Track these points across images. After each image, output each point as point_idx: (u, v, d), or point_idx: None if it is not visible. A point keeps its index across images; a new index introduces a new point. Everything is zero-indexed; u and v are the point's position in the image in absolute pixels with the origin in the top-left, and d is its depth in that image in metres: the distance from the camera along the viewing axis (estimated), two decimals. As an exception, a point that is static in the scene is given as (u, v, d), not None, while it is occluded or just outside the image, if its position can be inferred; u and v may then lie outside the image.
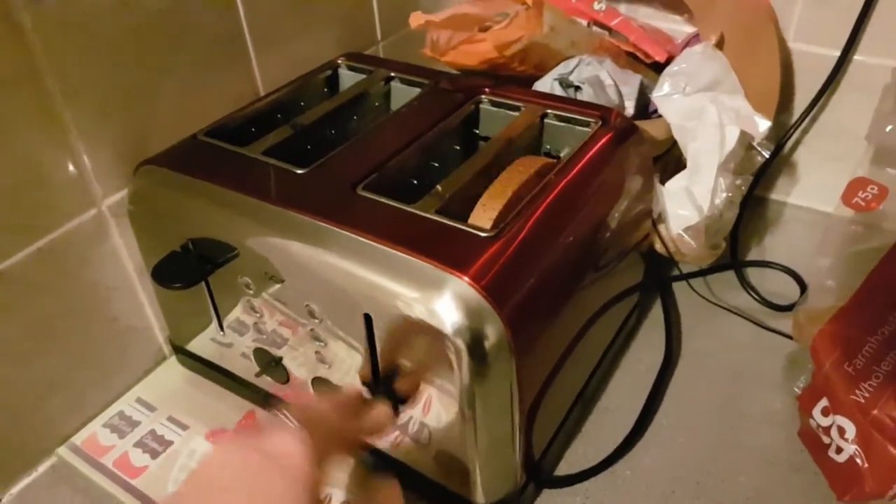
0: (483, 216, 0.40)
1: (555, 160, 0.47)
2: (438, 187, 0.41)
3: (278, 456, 0.29)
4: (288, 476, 0.28)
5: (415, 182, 0.45)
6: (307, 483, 0.29)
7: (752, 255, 0.64)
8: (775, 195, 0.70)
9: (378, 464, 0.42)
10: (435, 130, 0.48)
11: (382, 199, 0.40)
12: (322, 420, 0.33)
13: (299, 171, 0.42)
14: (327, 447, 0.31)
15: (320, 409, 0.35)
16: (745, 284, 0.60)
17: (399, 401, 0.39)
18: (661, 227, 0.51)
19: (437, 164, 0.48)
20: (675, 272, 0.59)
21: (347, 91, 0.54)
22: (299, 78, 0.55)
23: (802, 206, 0.69)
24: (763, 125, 0.49)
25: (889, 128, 0.52)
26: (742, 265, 0.62)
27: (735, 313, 0.57)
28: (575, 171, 0.44)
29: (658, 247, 0.54)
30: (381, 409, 0.37)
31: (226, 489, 0.28)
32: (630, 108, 0.57)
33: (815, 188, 0.68)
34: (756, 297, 0.59)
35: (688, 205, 0.49)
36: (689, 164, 0.51)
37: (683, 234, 0.50)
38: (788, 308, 0.57)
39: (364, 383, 0.40)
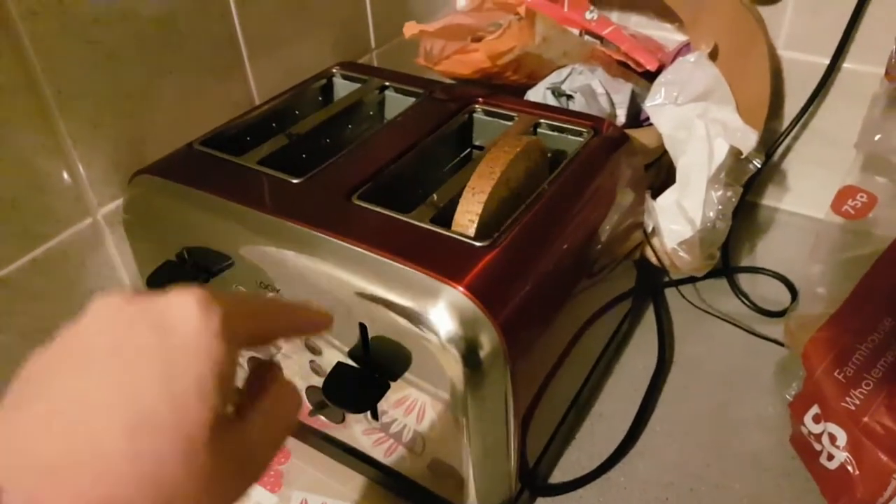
0: (472, 199, 0.40)
1: (538, 138, 0.47)
2: (434, 196, 0.42)
3: (172, 321, 0.21)
4: (185, 347, 0.21)
5: (409, 191, 0.46)
6: (213, 359, 0.21)
7: (744, 262, 0.64)
8: (766, 201, 0.71)
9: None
10: (429, 139, 0.48)
11: (377, 209, 0.40)
12: (237, 296, 0.25)
13: (294, 181, 0.42)
14: (244, 322, 0.23)
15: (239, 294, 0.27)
16: (737, 290, 0.60)
17: (389, 375, 0.38)
18: (655, 241, 0.52)
19: (431, 173, 0.48)
20: (667, 279, 0.60)
21: (342, 100, 0.55)
22: (294, 87, 0.56)
23: (793, 212, 0.70)
24: (752, 138, 0.50)
25: (878, 136, 0.52)
26: (733, 271, 0.62)
27: (726, 320, 0.58)
28: (567, 180, 0.44)
29: (653, 260, 0.54)
30: (325, 316, 0.29)
31: (93, 362, 0.21)
32: (622, 117, 0.58)
33: (805, 195, 0.69)
34: (748, 303, 0.59)
35: (680, 219, 0.50)
36: (678, 178, 0.51)
37: (678, 249, 0.50)
38: (780, 314, 0.58)
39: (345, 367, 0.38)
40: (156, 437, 0.20)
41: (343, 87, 0.58)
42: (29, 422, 0.20)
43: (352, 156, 0.46)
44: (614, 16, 0.69)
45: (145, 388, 0.20)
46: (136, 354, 0.21)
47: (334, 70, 0.58)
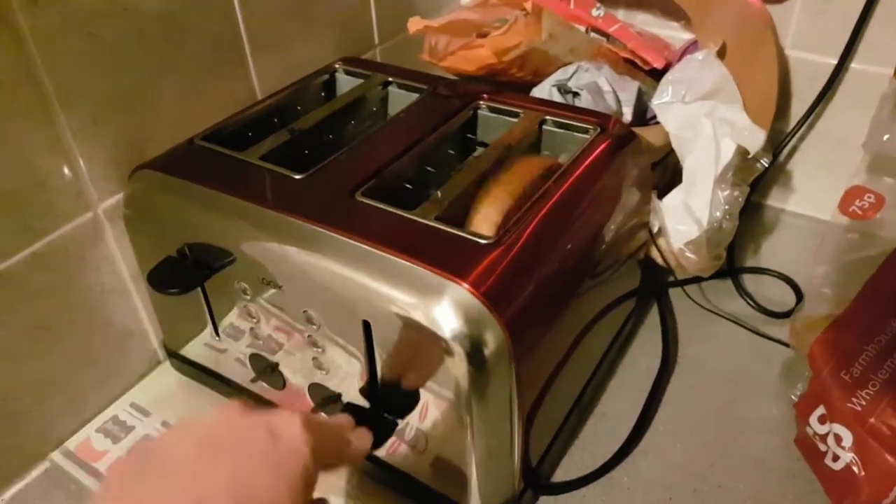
0: (483, 224, 0.40)
1: (560, 162, 0.47)
2: (438, 193, 0.41)
3: (281, 431, 0.28)
4: (289, 452, 0.27)
5: (413, 188, 0.45)
6: (305, 466, 0.27)
7: (749, 262, 0.64)
8: (772, 202, 0.70)
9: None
10: (433, 136, 0.48)
11: (381, 205, 0.40)
12: (319, 425, 0.31)
13: (297, 177, 0.42)
14: (322, 450, 0.30)
15: (317, 418, 0.34)
16: (742, 291, 0.60)
17: (397, 414, 0.39)
18: (661, 241, 0.52)
19: (435, 170, 0.48)
20: (672, 279, 0.60)
21: (345, 96, 0.54)
22: (297, 82, 0.55)
23: (799, 213, 0.69)
24: (759, 138, 0.50)
25: (886, 137, 0.52)
26: (738, 272, 0.62)
27: (731, 321, 0.57)
28: (573, 178, 0.44)
29: (659, 260, 0.54)
30: (364, 436, 0.36)
31: (215, 454, 0.27)
32: (628, 115, 0.58)
33: (811, 196, 0.68)
34: (752, 304, 0.59)
35: (686, 219, 0.50)
36: (685, 177, 0.51)
37: (684, 249, 0.50)
38: (785, 315, 0.57)
39: (353, 409, 0.41)
40: None
41: (346, 83, 0.57)
42: (161, 491, 0.25)
43: (355, 152, 0.46)
44: (621, 13, 0.69)
45: (257, 477, 0.26)
46: (252, 454, 0.27)
47: (337, 65, 0.58)
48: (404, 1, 0.70)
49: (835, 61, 0.60)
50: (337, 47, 0.63)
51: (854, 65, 0.61)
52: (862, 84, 0.61)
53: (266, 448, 0.27)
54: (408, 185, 0.44)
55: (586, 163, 0.45)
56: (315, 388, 0.43)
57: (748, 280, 0.62)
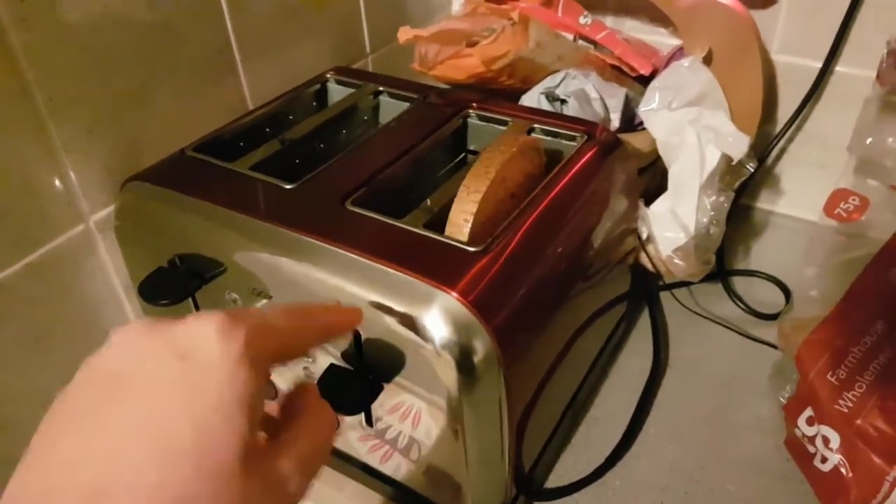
0: (467, 199, 0.40)
1: (535, 138, 0.47)
2: (427, 201, 0.42)
3: (189, 347, 0.22)
4: (205, 371, 0.21)
5: (404, 196, 0.46)
6: (233, 380, 0.21)
7: (738, 264, 0.64)
8: (761, 204, 0.71)
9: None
10: (423, 144, 0.48)
11: (371, 214, 0.40)
12: (259, 315, 0.24)
13: (287, 186, 0.42)
14: (266, 342, 0.23)
15: (250, 309, 0.27)
16: (732, 293, 0.60)
17: (382, 376, 0.38)
18: (650, 248, 0.52)
19: (426, 178, 0.48)
20: (662, 282, 0.60)
21: (336, 105, 0.55)
22: (288, 92, 0.56)
23: (788, 214, 0.70)
24: (743, 144, 0.50)
25: (869, 140, 0.53)
26: (728, 274, 0.62)
27: (720, 324, 0.58)
28: (561, 185, 0.44)
29: (649, 266, 0.54)
30: (351, 311, 0.29)
31: (118, 393, 0.21)
32: (616, 121, 0.58)
33: (800, 197, 0.69)
34: (742, 306, 0.59)
35: (674, 226, 0.50)
36: (671, 184, 0.51)
37: (673, 256, 0.51)
38: (775, 317, 0.58)
39: (337, 371, 0.38)
40: (184, 466, 0.20)
41: (337, 92, 0.58)
42: (62, 456, 0.20)
43: (346, 161, 0.46)
44: (608, 20, 0.69)
45: (171, 418, 0.21)
46: (160, 384, 0.21)
47: (328, 75, 0.58)
48: (396, 10, 0.71)
49: (820, 64, 0.61)
50: (329, 56, 0.63)
51: (839, 68, 0.62)
52: (847, 87, 0.62)
53: (175, 376, 0.21)
54: (399, 194, 0.45)
55: (573, 170, 0.45)
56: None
57: (738, 282, 0.62)
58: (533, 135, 0.50)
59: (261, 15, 0.55)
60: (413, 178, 0.47)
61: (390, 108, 0.55)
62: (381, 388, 0.38)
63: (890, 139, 0.53)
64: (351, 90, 0.57)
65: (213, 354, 0.22)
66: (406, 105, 0.54)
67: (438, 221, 0.41)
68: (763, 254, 0.65)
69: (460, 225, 0.40)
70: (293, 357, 0.26)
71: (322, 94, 0.58)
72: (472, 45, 0.57)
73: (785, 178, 0.69)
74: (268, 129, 0.51)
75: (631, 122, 0.60)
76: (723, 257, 0.63)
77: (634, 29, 0.69)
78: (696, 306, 0.60)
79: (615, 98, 0.58)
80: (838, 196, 0.50)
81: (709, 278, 0.61)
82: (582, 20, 0.61)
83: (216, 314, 0.23)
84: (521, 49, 0.56)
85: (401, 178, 0.46)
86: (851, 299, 0.47)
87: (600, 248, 0.47)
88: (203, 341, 0.22)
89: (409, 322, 0.35)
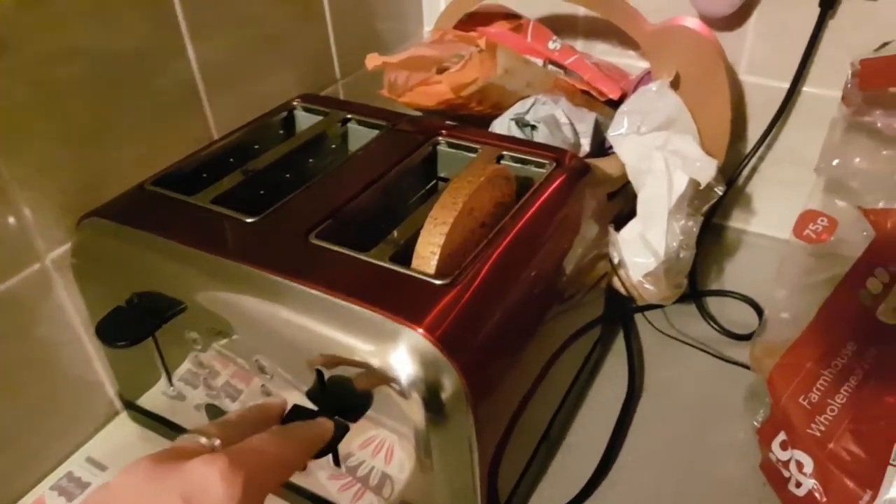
0: (434, 231, 0.40)
1: (504, 167, 0.46)
2: (395, 233, 0.41)
3: (196, 494, 0.24)
4: None
5: (371, 227, 0.45)
6: None
7: (712, 284, 0.64)
8: (733, 223, 0.71)
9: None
10: (392, 173, 0.48)
11: (335, 248, 0.39)
12: (251, 454, 0.28)
13: (249, 220, 0.42)
14: (262, 479, 0.27)
15: (248, 445, 0.29)
16: (706, 314, 0.60)
17: (348, 416, 0.37)
18: (622, 273, 0.52)
19: (394, 208, 0.48)
20: (635, 305, 0.60)
21: (303, 133, 0.54)
22: (254, 121, 0.55)
23: (760, 233, 0.70)
24: (711, 169, 0.50)
25: (836, 161, 0.53)
26: (701, 295, 0.62)
27: (695, 346, 0.58)
28: (530, 213, 0.44)
29: (621, 290, 0.54)
30: (323, 424, 0.33)
31: None
32: (586, 146, 0.58)
33: (771, 216, 0.69)
34: (716, 327, 0.59)
35: (644, 251, 0.50)
36: (640, 210, 0.51)
37: (644, 281, 0.50)
38: (749, 337, 0.58)
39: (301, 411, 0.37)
40: None
41: (305, 120, 0.57)
42: None
43: (311, 192, 0.45)
44: (579, 44, 0.70)
45: None
46: None
47: (296, 102, 0.58)
48: (366, 36, 0.70)
49: (787, 85, 0.62)
50: (297, 83, 0.63)
51: (806, 88, 0.63)
52: (815, 107, 0.62)
53: None
54: (366, 225, 0.44)
55: (542, 198, 0.45)
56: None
57: (712, 303, 0.62)
58: (502, 162, 0.50)
59: (225, 44, 0.54)
60: (381, 208, 0.46)
61: (359, 135, 0.55)
62: (346, 430, 0.37)
63: (856, 159, 0.53)
64: (319, 118, 0.56)
65: (217, 499, 0.24)
66: (375, 133, 0.54)
67: (406, 254, 0.40)
68: (736, 273, 0.66)
69: (427, 257, 0.39)
70: (283, 482, 0.29)
71: (289, 123, 0.57)
72: (442, 71, 0.57)
73: (756, 197, 0.70)
74: (231, 160, 0.51)
75: (601, 146, 0.60)
76: (696, 278, 0.63)
77: (604, 52, 0.69)
78: (671, 328, 0.59)
79: (585, 123, 0.58)
80: (807, 218, 0.50)
81: (682, 299, 0.60)
82: (551, 45, 0.61)
83: (219, 460, 0.25)
84: (489, 76, 0.56)
85: (368, 209, 0.45)
86: (822, 322, 0.47)
87: (571, 275, 0.46)
88: (208, 486, 0.25)
89: (375, 360, 0.34)
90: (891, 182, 0.50)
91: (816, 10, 0.58)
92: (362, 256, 0.39)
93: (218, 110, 0.55)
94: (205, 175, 0.48)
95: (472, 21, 0.66)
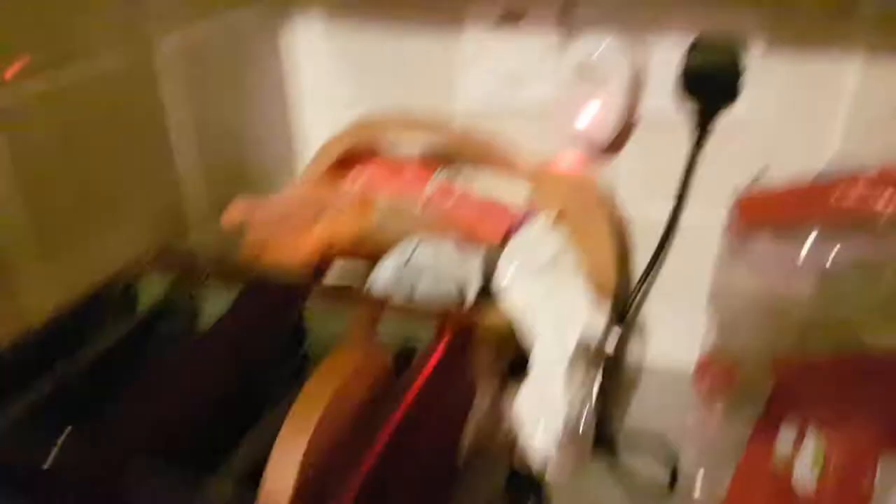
0: (286, 457, 0.32)
1: (374, 351, 0.40)
2: (234, 460, 0.33)
3: None
4: None
5: (211, 445, 0.36)
6: None
7: (625, 426, 0.60)
8: (634, 359, 0.68)
9: None
10: (248, 351, 0.41)
11: (158, 490, 0.31)
12: None
13: (44, 467, 0.32)
14: None
15: None
16: (620, 472, 0.55)
17: None
18: (524, 445, 0.46)
19: (249, 399, 0.40)
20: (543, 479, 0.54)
21: (144, 309, 0.46)
22: (79, 300, 0.46)
23: (664, 366, 0.67)
24: (599, 321, 0.47)
25: (727, 295, 0.52)
26: (612, 452, 0.57)
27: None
28: (407, 402, 0.37)
29: (525, 464, 0.48)
30: None
31: None
32: (473, 290, 0.54)
33: (673, 347, 0.67)
34: (632, 484, 0.54)
35: (543, 418, 0.45)
36: (533, 372, 0.47)
37: (547, 452, 0.45)
38: (671, 486, 0.53)
39: None
40: None
41: (148, 287, 0.49)
42: None
43: (139, 399, 0.37)
44: (465, 173, 0.67)
45: None
46: None
47: (140, 264, 0.49)
48: (230, 180, 0.63)
49: (667, 214, 0.61)
50: (145, 239, 0.55)
51: (687, 214, 0.62)
52: (698, 233, 0.62)
53: None
54: (205, 443, 0.36)
55: (422, 377, 0.39)
56: None
57: (625, 455, 0.57)
58: (380, 326, 0.44)
59: (50, 206, 0.46)
60: (227, 413, 0.38)
61: (214, 303, 0.47)
62: None
63: (747, 289, 0.52)
64: (167, 282, 0.48)
65: None
66: (233, 297, 0.46)
67: (253, 481, 0.32)
68: (645, 411, 0.62)
69: (278, 492, 0.32)
70: None
71: (129, 293, 0.49)
72: (314, 222, 0.52)
73: (654, 330, 0.68)
74: (43, 357, 0.41)
75: (490, 284, 0.56)
76: (604, 432, 0.57)
77: (488, 187, 0.66)
78: (588, 493, 0.53)
79: (469, 263, 0.55)
80: (704, 367, 0.48)
81: (594, 457, 0.55)
82: (428, 189, 0.58)
83: None
84: (365, 224, 0.52)
85: (207, 421, 0.37)
86: (740, 483, 0.44)
87: (463, 462, 0.40)
88: None
89: None
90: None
91: (691, 136, 0.58)
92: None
93: (35, 286, 0.46)
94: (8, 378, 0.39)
95: (349, 160, 0.62)
